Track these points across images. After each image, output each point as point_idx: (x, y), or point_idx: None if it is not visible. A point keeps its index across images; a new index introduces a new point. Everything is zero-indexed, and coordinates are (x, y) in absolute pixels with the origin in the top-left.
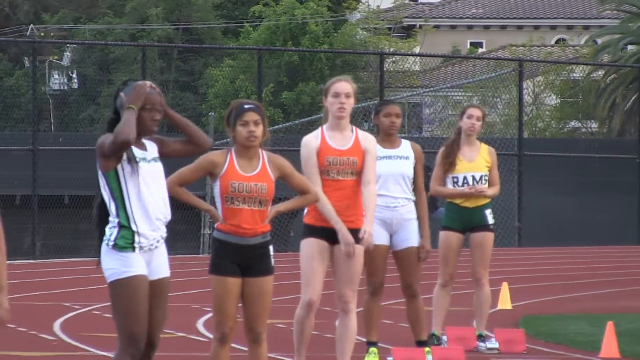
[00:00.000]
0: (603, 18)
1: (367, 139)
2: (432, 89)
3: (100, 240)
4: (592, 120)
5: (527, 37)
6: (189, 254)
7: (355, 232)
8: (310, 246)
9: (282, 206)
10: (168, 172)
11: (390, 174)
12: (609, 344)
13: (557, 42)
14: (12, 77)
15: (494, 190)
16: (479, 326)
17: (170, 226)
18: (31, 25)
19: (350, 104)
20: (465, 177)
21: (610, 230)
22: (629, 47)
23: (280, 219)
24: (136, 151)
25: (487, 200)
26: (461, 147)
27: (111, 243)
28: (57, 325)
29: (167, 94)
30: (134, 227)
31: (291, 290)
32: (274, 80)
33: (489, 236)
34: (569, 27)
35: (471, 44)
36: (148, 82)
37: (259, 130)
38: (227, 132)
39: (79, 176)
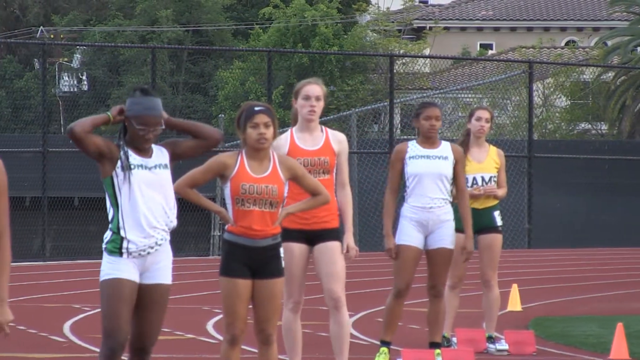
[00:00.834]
0: (613, 20)
1: (338, 139)
2: (442, 90)
3: None
4: (602, 122)
5: (537, 39)
6: (199, 255)
7: (331, 232)
8: (289, 250)
9: (293, 208)
10: (177, 175)
11: (428, 173)
12: (619, 346)
13: (567, 44)
14: (22, 79)
15: (502, 192)
16: (489, 328)
17: (180, 228)
18: (41, 27)
19: (320, 106)
20: (474, 178)
21: (620, 232)
22: (639, 49)
23: None
24: (135, 158)
25: (496, 202)
26: (470, 149)
27: (104, 246)
28: (67, 327)
29: (176, 95)
30: (122, 233)
31: None
32: (284, 82)
33: (498, 238)
34: (579, 29)
35: (481, 45)
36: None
37: (269, 133)
38: (237, 134)
39: (88, 178)
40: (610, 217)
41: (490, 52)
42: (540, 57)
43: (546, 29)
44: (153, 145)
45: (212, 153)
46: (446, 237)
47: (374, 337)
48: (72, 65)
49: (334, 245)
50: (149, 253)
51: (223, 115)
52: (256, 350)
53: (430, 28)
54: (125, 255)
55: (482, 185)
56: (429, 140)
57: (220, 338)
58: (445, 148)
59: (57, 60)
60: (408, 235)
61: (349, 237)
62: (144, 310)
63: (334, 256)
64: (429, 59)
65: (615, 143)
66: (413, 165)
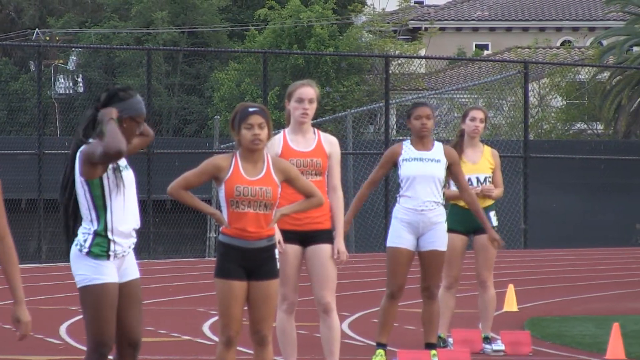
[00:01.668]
0: (608, 20)
1: (330, 142)
2: (437, 91)
3: (69, 244)
4: (598, 122)
5: (533, 39)
6: (195, 257)
7: (323, 233)
8: (283, 252)
9: (287, 209)
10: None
11: (420, 175)
12: (615, 346)
13: (562, 44)
14: (18, 82)
15: (498, 192)
16: (485, 328)
17: (176, 230)
18: (37, 29)
19: (313, 109)
20: (469, 179)
21: (616, 232)
22: (635, 48)
23: None
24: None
25: (491, 202)
26: (464, 149)
27: (85, 250)
28: (63, 329)
29: (172, 97)
30: (110, 236)
31: None
32: (279, 84)
33: None
34: (575, 29)
35: (477, 46)
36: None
37: (263, 134)
38: (232, 135)
39: None
40: (606, 217)
41: (485, 52)
42: (535, 57)
43: (542, 29)
44: None
45: (207, 155)
46: (438, 240)
47: (370, 338)
48: (67, 67)
49: (326, 248)
50: (128, 253)
51: (218, 117)
52: (252, 352)
53: (426, 29)
54: (112, 258)
55: (478, 186)
56: (422, 140)
57: (216, 339)
58: (437, 150)
59: (52, 63)
60: (399, 237)
61: (340, 242)
62: (127, 307)
63: (325, 260)
64: (424, 60)
65: (611, 143)
66: (406, 168)
